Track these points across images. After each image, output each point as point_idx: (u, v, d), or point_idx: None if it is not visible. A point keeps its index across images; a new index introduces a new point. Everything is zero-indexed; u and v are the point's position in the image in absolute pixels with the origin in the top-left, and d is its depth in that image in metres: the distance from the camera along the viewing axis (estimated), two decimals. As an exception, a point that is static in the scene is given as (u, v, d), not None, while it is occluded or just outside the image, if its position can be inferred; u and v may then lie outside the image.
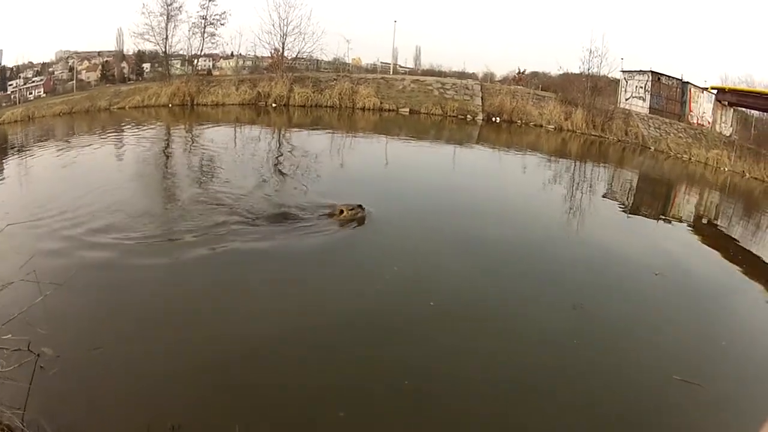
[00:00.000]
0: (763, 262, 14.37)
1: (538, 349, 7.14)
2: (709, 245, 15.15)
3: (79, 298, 6.96)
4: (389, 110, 31.06)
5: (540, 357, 6.92)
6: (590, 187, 20.50)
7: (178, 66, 30.36)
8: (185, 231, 9.83)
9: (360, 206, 11.08)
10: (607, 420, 5.95)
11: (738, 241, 16.36)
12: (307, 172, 15.71)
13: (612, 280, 10.35)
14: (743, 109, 39.39)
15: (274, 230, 10.25)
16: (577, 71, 36.31)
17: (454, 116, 31.75)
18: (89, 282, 7.49)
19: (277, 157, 17.75)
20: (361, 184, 14.71)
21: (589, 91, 33.84)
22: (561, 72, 39.27)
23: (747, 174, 30.78)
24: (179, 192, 12.60)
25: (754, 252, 15.33)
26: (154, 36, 28.13)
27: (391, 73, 38.04)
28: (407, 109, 31.48)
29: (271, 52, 31.55)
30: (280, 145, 20.37)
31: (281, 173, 15.40)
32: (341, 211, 10.88)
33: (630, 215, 17.22)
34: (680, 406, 6.33)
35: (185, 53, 29.89)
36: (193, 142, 19.31)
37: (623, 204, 18.83)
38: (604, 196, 19.17)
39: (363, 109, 30.51)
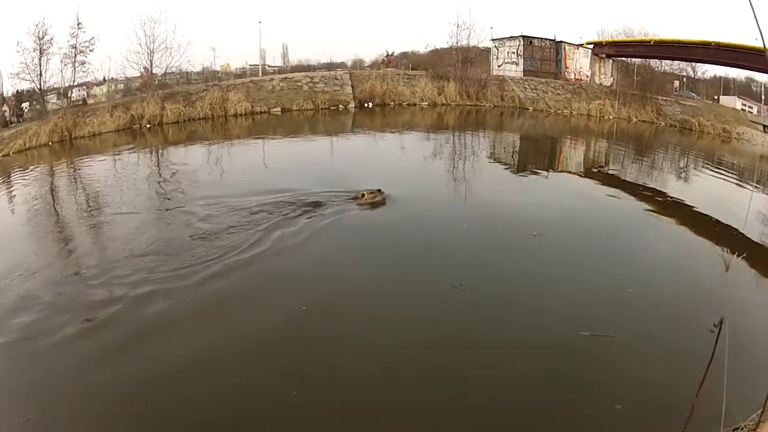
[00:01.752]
0: (659, 198, 13.63)
1: (423, 331, 6.43)
2: (602, 192, 14.02)
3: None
4: (261, 112, 29.58)
5: (426, 337, 6.28)
6: (473, 154, 19.02)
7: (55, 100, 28.06)
8: (93, 285, 7.96)
9: (379, 190, 11.44)
10: (517, 397, 5.33)
11: (633, 183, 15.49)
12: (186, 188, 13.81)
13: (494, 248, 9.25)
14: (624, 58, 40.47)
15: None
16: (446, 46, 36.17)
17: (326, 108, 30.42)
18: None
19: (158, 181, 15.15)
20: (241, 186, 12.96)
21: (459, 63, 33.48)
22: (430, 49, 38.81)
23: (634, 118, 31.53)
24: (75, 240, 10.41)
25: (651, 190, 14.44)
26: (29, 73, 26.31)
27: (260, 74, 36.75)
28: (279, 109, 30.08)
29: (140, 72, 29.95)
30: (159, 165, 18.08)
31: (162, 195, 13.35)
32: (363, 195, 11.29)
33: (517, 176, 15.80)
34: (596, 360, 5.91)
35: (59, 86, 27.76)
36: (76, 180, 16.47)
37: (508, 166, 17.41)
38: (489, 161, 17.88)
39: (235, 115, 28.77)
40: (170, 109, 27.43)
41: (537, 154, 20.96)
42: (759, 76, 43.36)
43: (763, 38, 3.57)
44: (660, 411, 5.06)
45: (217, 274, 7.92)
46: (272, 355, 6.12)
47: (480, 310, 6.92)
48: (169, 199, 12.62)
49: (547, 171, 16.88)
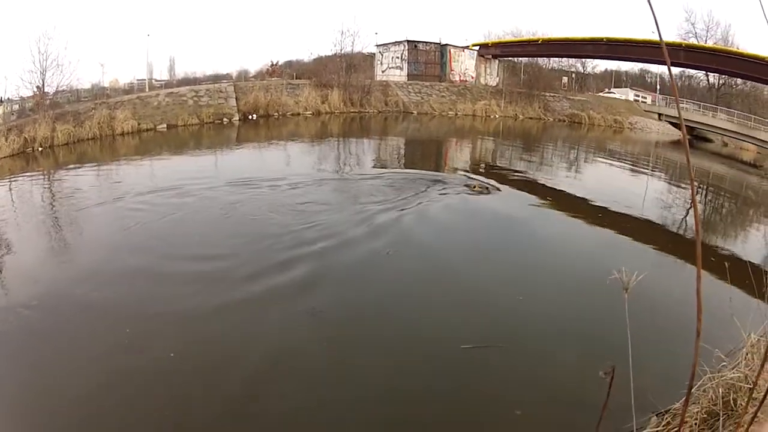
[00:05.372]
0: (546, 193, 13.59)
1: (283, 359, 5.58)
2: (485, 192, 13.30)
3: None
4: (147, 129, 28.27)
5: (290, 364, 5.50)
6: (357, 163, 17.99)
7: (-50, 131, 26.30)
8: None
9: (486, 187, 13.55)
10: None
11: (518, 179, 15.34)
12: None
13: (354, 266, 8.07)
14: (511, 58, 41.70)
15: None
16: (330, 54, 36.07)
17: (211, 122, 29.61)
18: None
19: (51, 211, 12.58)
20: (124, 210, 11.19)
21: (343, 71, 33.41)
22: (314, 57, 39.28)
23: (521, 116, 32.62)
24: None
25: (537, 185, 14.53)
26: None
27: (147, 89, 35.41)
28: (164, 125, 28.96)
29: (33, 91, 27.85)
30: (52, 194, 15.26)
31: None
32: (475, 186, 13.28)
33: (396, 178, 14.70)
34: (488, 371, 5.40)
35: (-47, 114, 25.55)
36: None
37: (389, 170, 16.24)
38: (373, 167, 16.94)
39: (123, 134, 27.24)
40: (60, 129, 25.40)
41: (422, 157, 20.64)
42: (653, 68, 46.04)
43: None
44: (567, 409, 4.72)
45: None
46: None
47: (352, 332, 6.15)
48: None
49: (432, 172, 16.15)
